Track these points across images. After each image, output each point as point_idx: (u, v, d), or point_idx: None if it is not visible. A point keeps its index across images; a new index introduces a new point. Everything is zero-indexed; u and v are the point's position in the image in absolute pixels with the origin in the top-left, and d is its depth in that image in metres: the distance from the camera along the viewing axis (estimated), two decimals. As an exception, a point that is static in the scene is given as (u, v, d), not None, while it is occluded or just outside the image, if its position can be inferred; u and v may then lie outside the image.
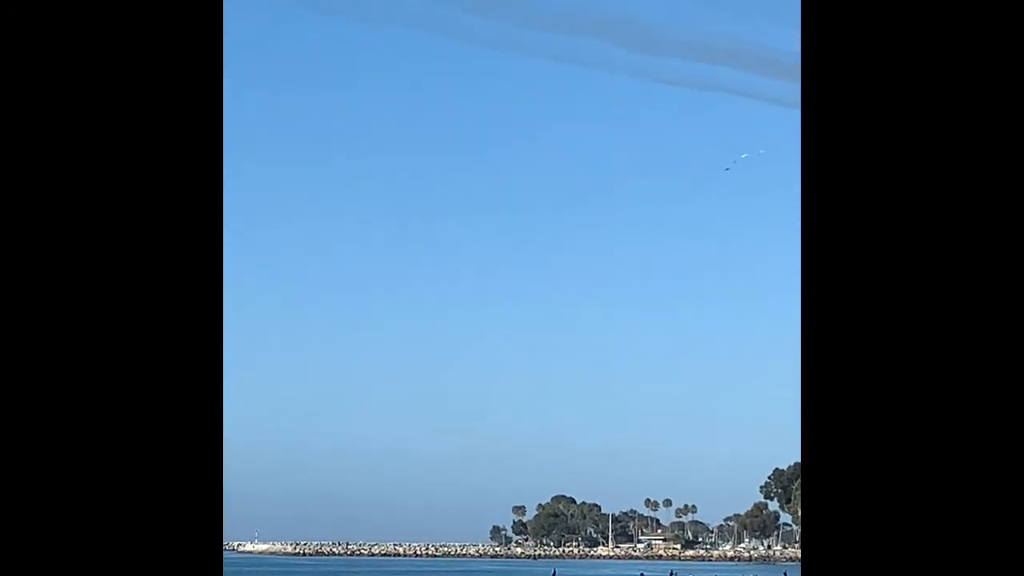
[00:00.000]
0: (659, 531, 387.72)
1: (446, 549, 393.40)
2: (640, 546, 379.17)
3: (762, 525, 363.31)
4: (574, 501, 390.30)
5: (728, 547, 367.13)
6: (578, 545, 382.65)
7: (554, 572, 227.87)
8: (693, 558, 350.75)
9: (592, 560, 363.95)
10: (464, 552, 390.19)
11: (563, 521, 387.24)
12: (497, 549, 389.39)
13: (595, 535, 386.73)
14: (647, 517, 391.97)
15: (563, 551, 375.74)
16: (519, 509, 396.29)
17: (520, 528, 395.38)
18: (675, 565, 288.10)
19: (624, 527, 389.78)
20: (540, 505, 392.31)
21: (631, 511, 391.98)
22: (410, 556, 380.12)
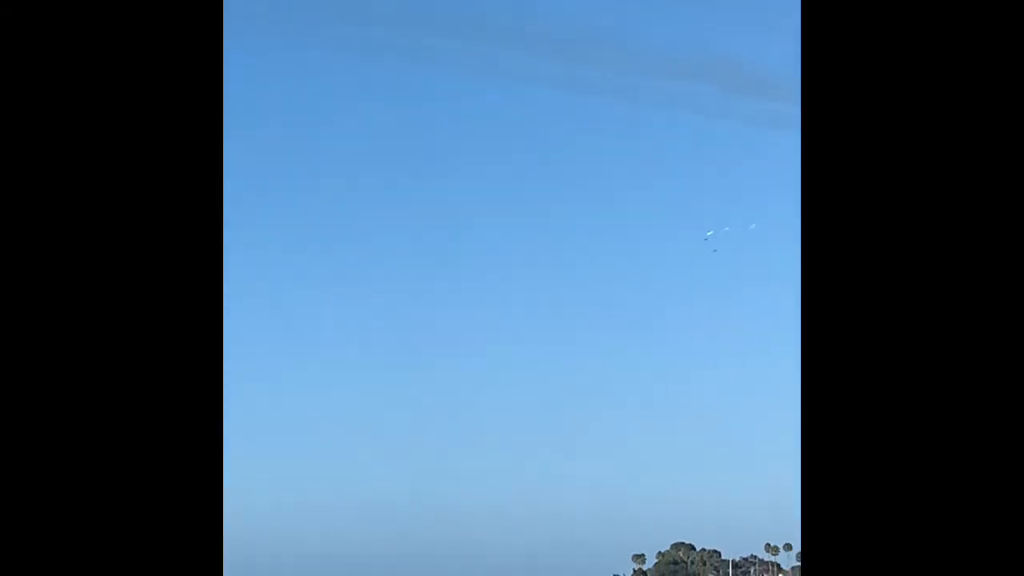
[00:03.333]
0: (780, 575, 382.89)
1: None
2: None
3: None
4: (694, 548, 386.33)
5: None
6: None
7: None
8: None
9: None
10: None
11: (683, 568, 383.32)
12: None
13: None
14: (768, 562, 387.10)
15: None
16: (639, 557, 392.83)
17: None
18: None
19: (745, 572, 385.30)
20: (660, 553, 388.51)
21: (751, 556, 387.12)
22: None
